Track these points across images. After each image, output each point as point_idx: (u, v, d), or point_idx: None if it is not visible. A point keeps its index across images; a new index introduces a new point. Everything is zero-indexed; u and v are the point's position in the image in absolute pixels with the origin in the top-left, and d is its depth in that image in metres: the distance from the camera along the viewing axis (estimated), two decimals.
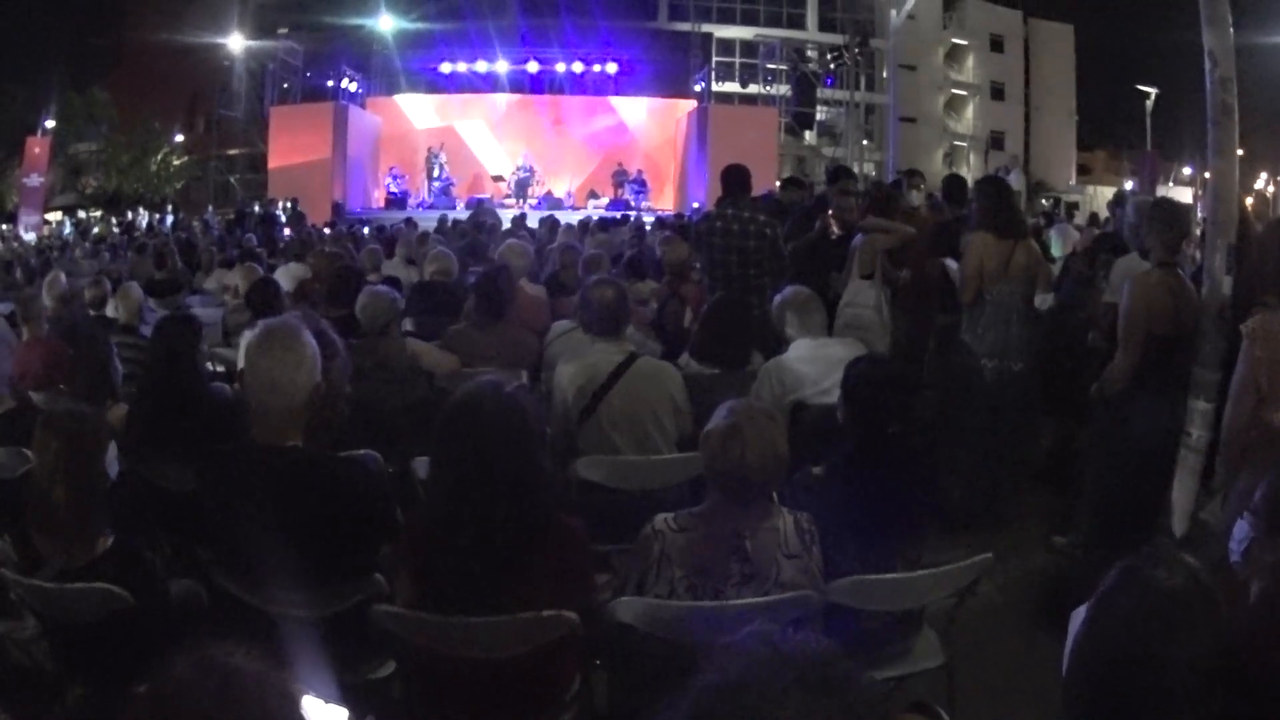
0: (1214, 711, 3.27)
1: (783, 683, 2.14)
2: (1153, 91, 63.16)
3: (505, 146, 54.68)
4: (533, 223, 29.15)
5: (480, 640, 4.88)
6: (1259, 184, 64.74)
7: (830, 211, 13.87)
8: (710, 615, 5.01)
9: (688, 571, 5.16)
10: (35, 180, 52.15)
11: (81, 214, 64.25)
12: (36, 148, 52.99)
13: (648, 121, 57.54)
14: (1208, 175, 10.18)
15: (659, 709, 2.26)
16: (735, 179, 13.11)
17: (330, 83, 51.29)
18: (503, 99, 56.63)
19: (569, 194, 52.14)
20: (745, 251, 12.20)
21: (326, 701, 3.58)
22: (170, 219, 48.17)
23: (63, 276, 14.52)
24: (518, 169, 50.86)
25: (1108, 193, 67.20)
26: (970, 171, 65.17)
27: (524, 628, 4.79)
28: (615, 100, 57.14)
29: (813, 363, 8.68)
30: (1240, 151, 9.21)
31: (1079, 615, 3.58)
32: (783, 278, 12.00)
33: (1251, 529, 4.14)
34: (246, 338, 8.86)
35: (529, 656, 4.92)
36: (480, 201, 40.59)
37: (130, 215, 54.82)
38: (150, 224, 43.21)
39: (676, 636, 5.02)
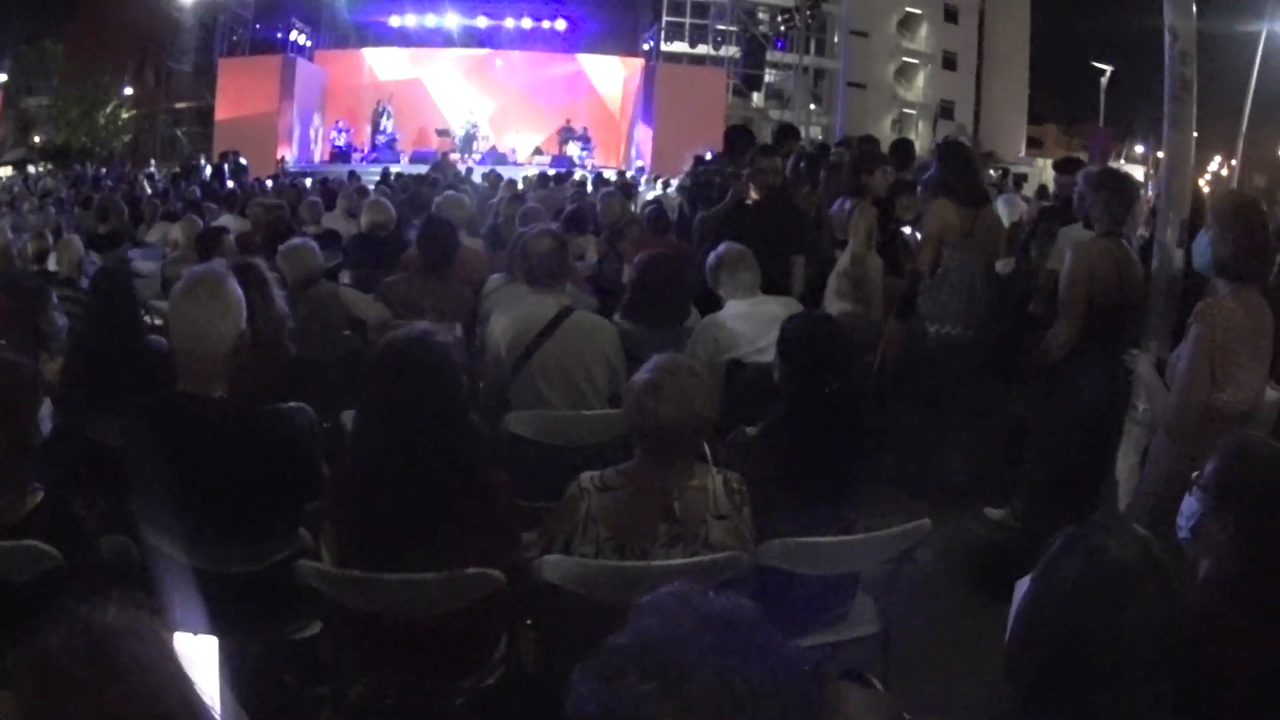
0: (1165, 685, 3.20)
1: (699, 644, 2.07)
2: (1107, 69, 63.49)
3: (451, 101, 54.83)
4: (476, 178, 29.18)
5: (405, 598, 4.84)
6: (1213, 165, 65.16)
7: (749, 175, 12.44)
8: (636, 575, 4.94)
9: (614, 531, 5.09)
10: None
11: (31, 169, 63.92)
12: None
13: (595, 79, 57.81)
14: (1161, 153, 10.16)
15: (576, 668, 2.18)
16: (737, 138, 13.89)
17: (280, 35, 51.11)
18: (451, 54, 56.89)
19: (513, 149, 52.43)
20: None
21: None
22: (114, 173, 47.79)
23: (7, 230, 14.40)
24: (463, 124, 51.14)
25: None
26: (918, 139, 65.31)
27: (450, 585, 4.75)
28: (563, 57, 57.50)
29: (748, 320, 8.63)
30: (1195, 134, 9.18)
31: (1023, 585, 3.50)
32: None
33: (1200, 505, 4.08)
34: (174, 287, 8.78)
35: (456, 615, 4.87)
36: (444, 155, 40.79)
37: (79, 169, 54.49)
38: (95, 178, 42.89)
39: (603, 597, 4.96)
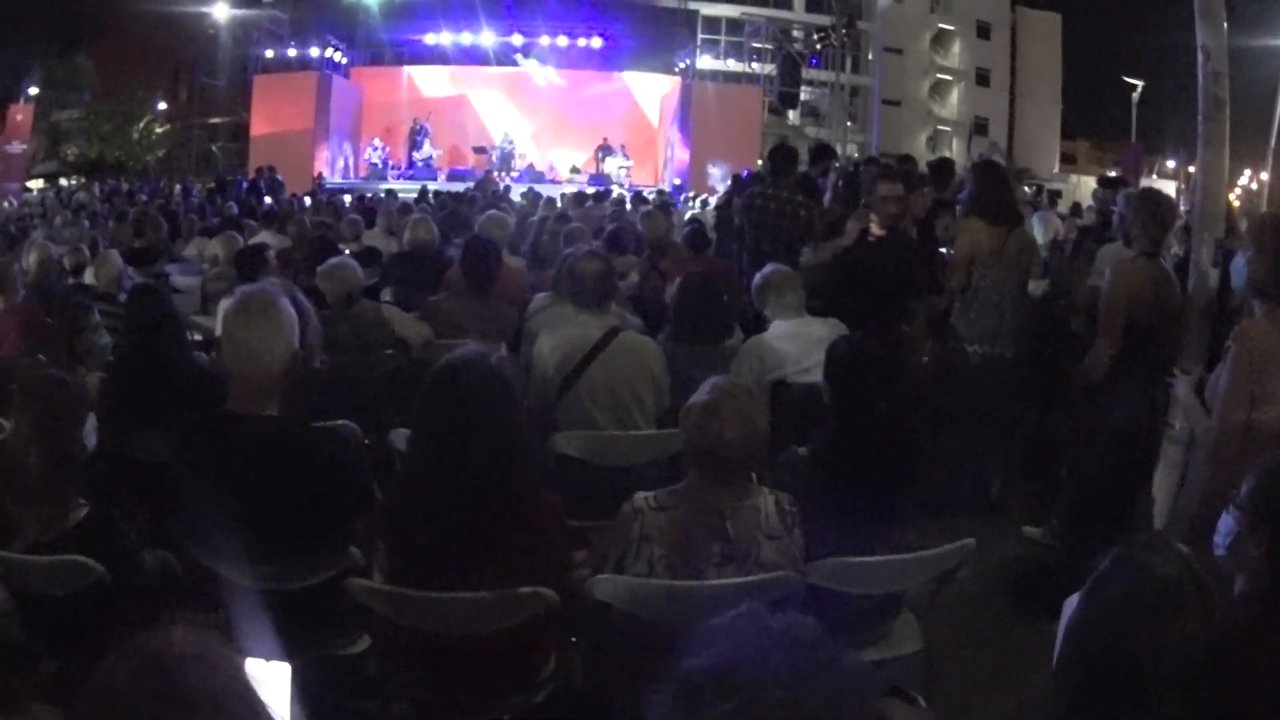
0: (1203, 701, 3.24)
1: (771, 662, 2.13)
2: (1139, 84, 63.29)
3: (488, 119, 54.74)
4: (515, 196, 29.20)
5: (457, 616, 4.86)
6: (1243, 179, 64.90)
7: (867, 205, 11.35)
8: (689, 595, 4.99)
9: (667, 550, 5.12)
10: (17, 148, 51.81)
11: (63, 182, 63.99)
12: (19, 115, 52.66)
13: (631, 97, 57.69)
14: (1193, 170, 10.19)
15: (640, 689, 2.24)
16: (781, 159, 13.30)
17: (314, 52, 51.14)
18: (488, 71, 56.74)
19: (550, 167, 52.24)
20: (779, 229, 12.32)
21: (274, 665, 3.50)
22: (148, 187, 47.84)
23: (45, 243, 14.46)
24: (500, 142, 50.81)
25: (1091, 182, 67.26)
26: (953, 156, 65.20)
27: (501, 604, 4.76)
28: (600, 75, 57.42)
29: (793, 340, 8.63)
30: None
31: (1072, 603, 3.55)
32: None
33: (1236, 524, 4.11)
34: (225, 304, 8.82)
35: (505, 633, 4.88)
36: (487, 173, 40.86)
37: (113, 183, 54.59)
38: (130, 191, 42.95)
39: (655, 616, 5.01)
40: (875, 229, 10.78)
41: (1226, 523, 4.18)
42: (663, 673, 2.23)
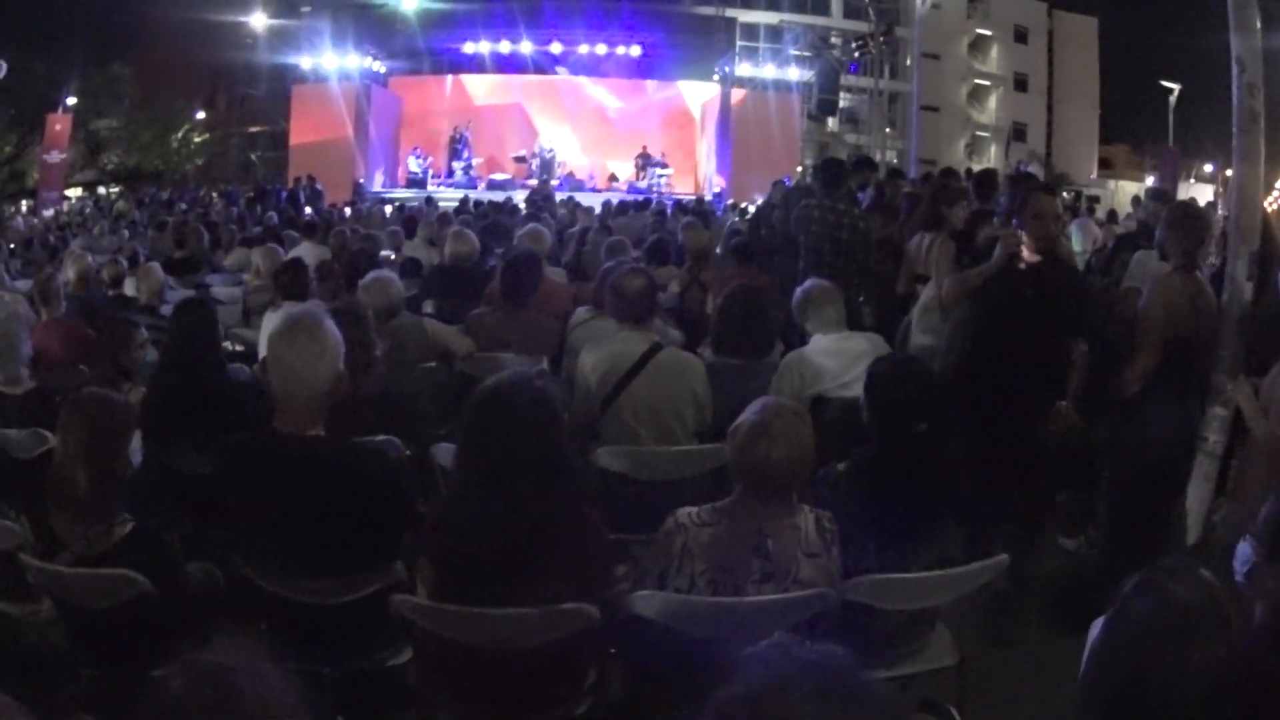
0: None
1: (800, 692, 2.19)
2: (1176, 87, 63.07)
3: (528, 128, 54.69)
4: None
5: (501, 631, 4.91)
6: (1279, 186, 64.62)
7: (1021, 223, 9.13)
8: (729, 611, 5.07)
9: (709, 566, 5.20)
10: (56, 157, 51.93)
11: (102, 191, 64.19)
12: (57, 124, 52.76)
13: (670, 104, 57.62)
14: (1229, 173, 10.20)
15: (678, 710, 2.32)
16: (832, 171, 13.24)
17: (353, 61, 51.22)
18: (526, 80, 56.74)
19: (591, 175, 52.34)
20: (838, 241, 12.33)
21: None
22: (188, 196, 47.90)
23: (84, 254, 14.57)
24: (539, 150, 50.79)
25: (1129, 187, 67.20)
26: (991, 163, 64.92)
27: (545, 619, 4.82)
28: (639, 82, 57.41)
29: (834, 356, 8.68)
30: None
31: (1097, 625, 3.61)
32: (867, 270, 12.30)
33: (1254, 552, 4.16)
34: (269, 318, 8.94)
35: (546, 647, 4.94)
36: (543, 181, 40.90)
37: (152, 191, 54.74)
38: (169, 200, 43.06)
39: (695, 630, 5.08)
40: (1028, 253, 8.79)
41: (1244, 550, 4.22)
42: (701, 689, 2.32)
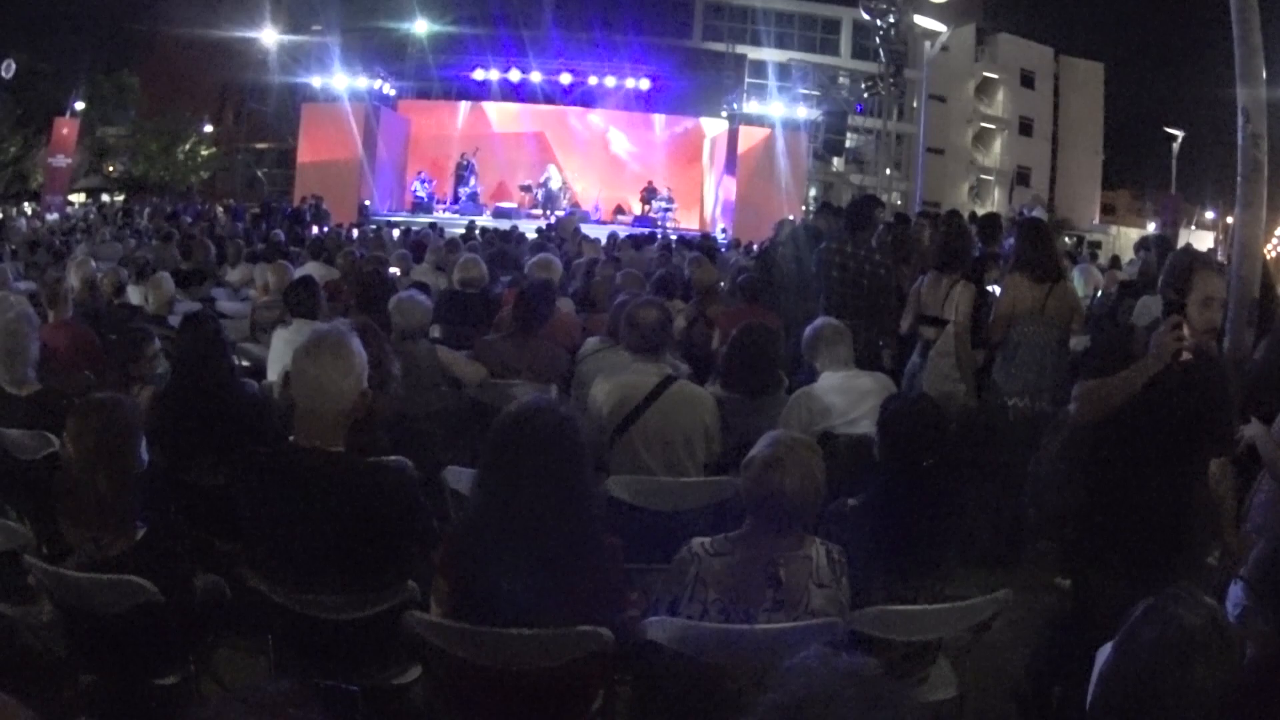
0: None
1: (843, 697, 2.33)
2: (1179, 134, 63.25)
3: (533, 157, 54.77)
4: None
5: (514, 652, 4.94)
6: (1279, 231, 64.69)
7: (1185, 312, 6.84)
8: (740, 638, 5.12)
9: (721, 594, 5.25)
10: (61, 161, 52.14)
11: (105, 197, 64.26)
12: (64, 129, 52.96)
13: (677, 139, 57.76)
14: (1229, 220, 10.32)
15: None
16: (857, 215, 13.16)
17: (363, 83, 51.27)
18: (535, 109, 56.78)
19: (596, 207, 52.33)
20: (860, 286, 12.30)
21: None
22: (191, 208, 47.92)
23: (90, 261, 14.61)
24: (546, 181, 50.86)
25: (1130, 233, 67.22)
26: (995, 206, 65.09)
27: (559, 642, 4.87)
28: (646, 116, 57.39)
29: (842, 393, 8.75)
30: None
31: (1105, 651, 3.68)
32: (885, 312, 12.24)
33: (1244, 596, 4.22)
34: (279, 334, 8.99)
35: (557, 669, 4.98)
36: (572, 213, 40.92)
37: (158, 201, 54.81)
38: (174, 212, 43.07)
39: (706, 657, 5.14)
40: (1188, 347, 6.61)
41: (1235, 593, 4.28)
42: (716, 712, 2.43)
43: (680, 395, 7.98)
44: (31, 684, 5.58)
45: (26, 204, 57.08)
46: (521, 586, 4.83)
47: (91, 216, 45.71)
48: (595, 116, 57.56)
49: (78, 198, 61.58)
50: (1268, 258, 10.46)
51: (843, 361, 9.03)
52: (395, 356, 8.43)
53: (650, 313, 8.19)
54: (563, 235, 27.87)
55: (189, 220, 36.28)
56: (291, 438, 5.56)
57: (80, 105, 60.70)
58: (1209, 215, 73.36)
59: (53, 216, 45.13)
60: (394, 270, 15.51)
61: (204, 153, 70.85)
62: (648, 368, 8.06)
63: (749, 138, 52.51)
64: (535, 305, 10.18)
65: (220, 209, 46.52)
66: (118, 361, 8.84)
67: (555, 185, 50.69)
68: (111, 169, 70.68)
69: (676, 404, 7.92)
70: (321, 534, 5.32)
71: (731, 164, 51.46)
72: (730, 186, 51.48)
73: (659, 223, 47.65)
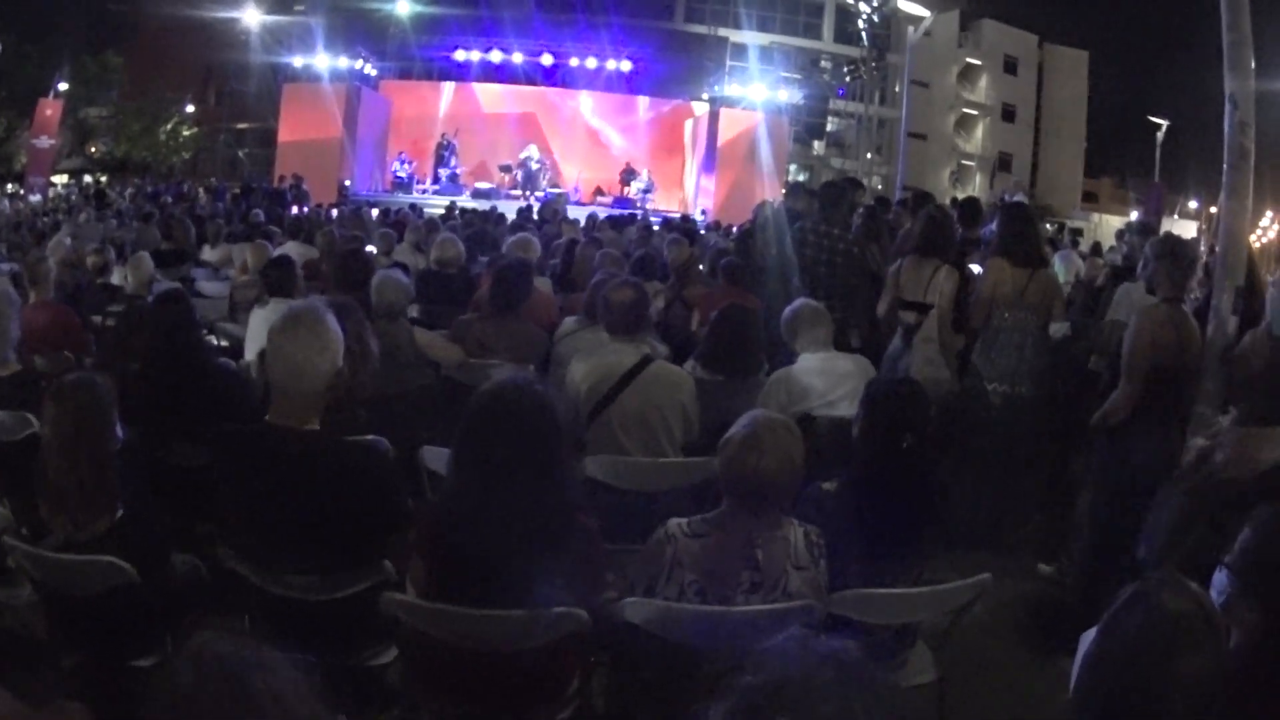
0: None
1: (822, 679, 2.31)
2: (1163, 123, 63.31)
3: (514, 138, 54.64)
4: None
5: (491, 633, 4.93)
6: (1264, 221, 64.73)
7: None
8: (718, 620, 5.09)
9: (699, 576, 5.22)
10: (45, 142, 51.90)
11: (88, 178, 64.13)
12: (48, 110, 52.72)
13: (658, 121, 57.66)
14: (1214, 210, 10.34)
15: (665, 708, 2.40)
16: (829, 196, 13.34)
17: (344, 63, 51.17)
18: (516, 90, 56.70)
19: (576, 188, 52.14)
20: (833, 265, 12.40)
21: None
22: (172, 189, 47.84)
23: (68, 240, 14.58)
24: (525, 161, 50.80)
25: (1113, 221, 67.33)
26: (976, 192, 65.10)
27: (536, 623, 4.84)
28: (627, 98, 57.28)
29: (820, 375, 8.73)
30: None
31: (1088, 636, 3.65)
32: (861, 290, 12.37)
33: (1229, 582, 4.19)
34: (257, 313, 8.93)
35: (533, 651, 4.96)
36: (559, 195, 40.88)
37: (139, 182, 54.73)
38: (155, 193, 42.96)
39: (683, 639, 5.11)
40: None
41: (1220, 580, 4.25)
42: (687, 693, 2.39)
43: (658, 375, 7.96)
44: (12, 666, 5.54)
45: (10, 186, 56.94)
46: (497, 565, 4.81)
47: (74, 197, 45.58)
48: (576, 98, 57.48)
49: (60, 179, 61.40)
50: (1251, 247, 10.46)
51: (822, 343, 9.01)
52: (375, 336, 8.42)
53: (626, 293, 8.19)
54: (550, 214, 27.84)
55: (170, 200, 36.21)
56: (267, 417, 5.50)
57: (64, 86, 60.53)
58: (1192, 205, 73.47)
59: (36, 198, 45.03)
60: (370, 249, 15.44)
61: (185, 133, 70.77)
62: (625, 348, 8.04)
63: (730, 121, 52.62)
64: (512, 285, 10.15)
65: (202, 190, 46.42)
66: (113, 339, 8.81)
67: (535, 165, 50.50)
68: (94, 150, 70.58)
69: (654, 384, 7.90)
70: (296, 513, 5.28)
71: (712, 147, 51.48)
72: (710, 169, 51.46)
73: (639, 204, 47.57)
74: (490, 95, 56.80)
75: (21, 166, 58.64)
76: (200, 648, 2.60)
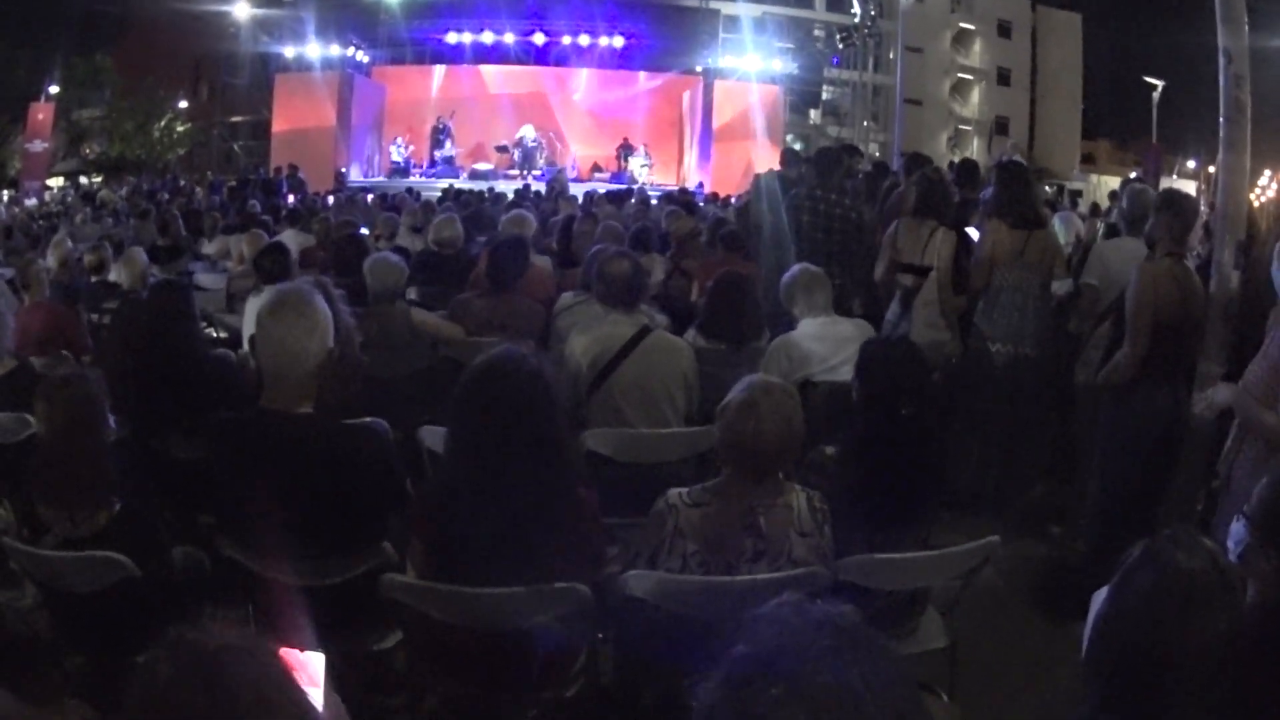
0: (1221, 695, 3.28)
1: (817, 647, 2.18)
2: (1159, 84, 63.23)
3: (509, 118, 54.52)
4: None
5: (492, 611, 4.89)
6: (1262, 180, 64.71)
7: None
8: (722, 590, 5.04)
9: (701, 546, 5.17)
10: (38, 146, 51.96)
11: (84, 180, 64.12)
12: (40, 114, 52.74)
13: (653, 96, 57.52)
14: (1213, 169, 10.30)
15: (673, 682, 2.30)
16: (824, 161, 13.26)
17: (336, 51, 51.16)
18: (509, 70, 56.75)
19: (573, 165, 51.95)
20: (830, 230, 12.37)
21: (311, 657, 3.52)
22: (168, 185, 47.83)
23: (67, 240, 14.56)
24: (522, 140, 50.80)
25: (1111, 182, 67.26)
26: (974, 156, 65.04)
27: (538, 599, 4.79)
28: (621, 74, 57.41)
29: (821, 340, 8.68)
30: None
31: (1100, 595, 3.58)
32: (860, 254, 12.34)
33: (1246, 534, 4.13)
34: (252, 303, 8.87)
35: (537, 628, 4.89)
36: (560, 171, 40.84)
37: (135, 180, 54.67)
38: (151, 190, 42.97)
39: (687, 610, 5.05)
40: None
41: (1237, 530, 4.19)
42: (694, 667, 2.29)
43: (658, 345, 7.93)
44: (18, 669, 5.49)
45: (4, 191, 56.90)
46: (496, 542, 4.76)
47: (69, 199, 45.55)
48: (571, 76, 57.54)
49: (55, 182, 61.35)
50: (1252, 204, 10.41)
51: (821, 308, 8.95)
52: (369, 316, 8.38)
53: (621, 264, 8.14)
54: (560, 188, 27.94)
55: (166, 197, 36.19)
56: (260, 402, 5.45)
57: (55, 89, 60.48)
58: (1190, 164, 73.33)
59: (30, 202, 45.03)
60: (363, 230, 15.39)
61: (179, 129, 70.72)
62: (624, 319, 7.99)
63: (725, 93, 52.67)
64: (508, 261, 10.12)
65: (197, 186, 46.41)
66: (110, 335, 8.78)
67: (531, 144, 50.54)
68: (88, 151, 70.56)
69: (654, 354, 7.86)
70: (293, 498, 5.22)
71: (708, 119, 51.43)
72: (707, 141, 51.41)
73: (636, 179, 47.49)
74: (484, 76, 56.78)
75: (16, 172, 58.55)
76: (177, 639, 2.53)
